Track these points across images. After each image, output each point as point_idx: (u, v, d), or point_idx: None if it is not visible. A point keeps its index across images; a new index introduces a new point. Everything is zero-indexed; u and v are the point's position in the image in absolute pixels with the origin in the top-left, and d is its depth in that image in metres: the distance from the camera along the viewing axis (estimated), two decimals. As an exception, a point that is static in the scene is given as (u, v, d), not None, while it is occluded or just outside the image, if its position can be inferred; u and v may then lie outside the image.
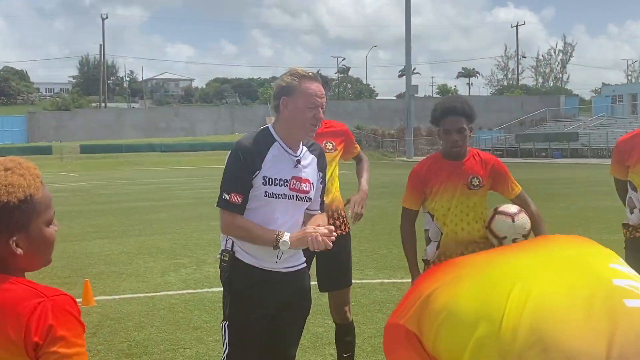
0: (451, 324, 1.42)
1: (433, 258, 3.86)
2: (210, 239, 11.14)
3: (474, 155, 3.86)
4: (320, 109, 3.12)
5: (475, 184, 3.79)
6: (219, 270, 3.26)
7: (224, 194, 3.09)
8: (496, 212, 3.74)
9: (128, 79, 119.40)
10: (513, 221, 3.65)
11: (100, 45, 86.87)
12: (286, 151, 3.16)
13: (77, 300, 6.63)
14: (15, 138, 63.14)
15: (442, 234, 3.81)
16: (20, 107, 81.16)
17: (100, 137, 64.31)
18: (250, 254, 3.14)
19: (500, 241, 3.74)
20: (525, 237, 3.72)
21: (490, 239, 3.79)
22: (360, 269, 8.34)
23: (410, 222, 3.95)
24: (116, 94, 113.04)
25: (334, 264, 4.31)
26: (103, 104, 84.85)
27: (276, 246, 3.02)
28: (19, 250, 1.63)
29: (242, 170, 3.07)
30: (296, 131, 3.14)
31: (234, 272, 3.17)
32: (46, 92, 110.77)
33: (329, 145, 4.33)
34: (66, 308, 1.57)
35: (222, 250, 3.22)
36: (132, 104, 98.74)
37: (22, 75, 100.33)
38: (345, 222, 4.39)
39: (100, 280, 8.09)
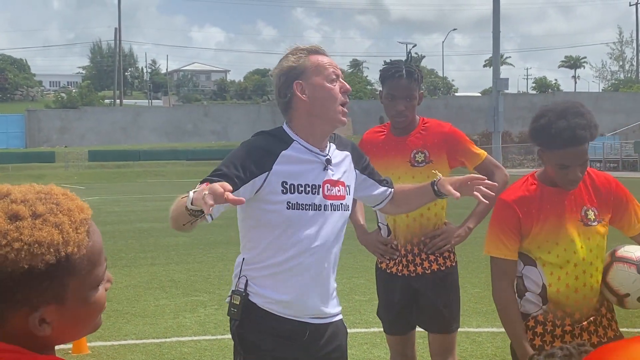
0: None
1: (536, 314, 3.41)
2: (238, 271, 11.11)
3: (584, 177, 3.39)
4: (342, 81, 3.10)
5: (591, 218, 3.38)
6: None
7: (198, 185, 2.75)
8: (614, 258, 3.34)
9: (149, 70, 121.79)
10: (639, 272, 3.24)
11: (116, 29, 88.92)
12: (310, 150, 3.08)
13: (66, 346, 6.68)
14: (10, 142, 64.95)
15: (547, 286, 3.38)
16: (17, 104, 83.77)
17: (114, 141, 65.75)
18: (269, 297, 3.04)
19: (621, 300, 3.31)
20: None
21: (606, 295, 3.39)
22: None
23: (510, 281, 3.43)
24: (134, 89, 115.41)
25: (439, 303, 4.31)
26: (118, 101, 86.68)
27: (191, 213, 2.63)
28: (47, 329, 1.40)
29: (239, 164, 2.93)
30: (324, 117, 3.06)
31: (245, 321, 3.07)
32: (50, 86, 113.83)
33: (419, 157, 4.18)
34: None
35: (232, 291, 3.13)
36: (154, 101, 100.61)
37: (21, 65, 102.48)
38: (454, 251, 4.35)
39: (98, 320, 8.10)
